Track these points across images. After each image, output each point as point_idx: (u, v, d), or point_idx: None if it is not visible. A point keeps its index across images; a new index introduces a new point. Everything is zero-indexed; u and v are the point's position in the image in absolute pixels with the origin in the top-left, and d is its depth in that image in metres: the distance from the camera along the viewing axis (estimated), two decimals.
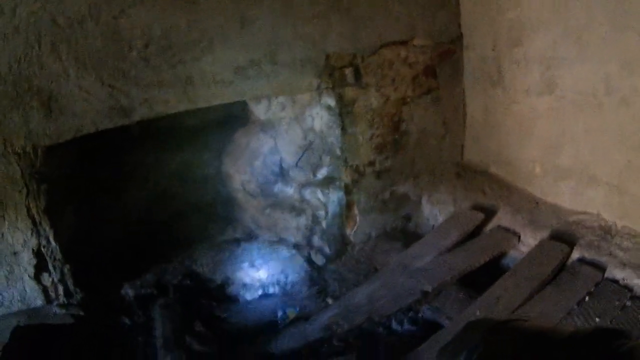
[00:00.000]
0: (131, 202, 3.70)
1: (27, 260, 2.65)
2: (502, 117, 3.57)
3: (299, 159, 3.48)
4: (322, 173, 3.51)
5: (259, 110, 3.45)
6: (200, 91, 2.84)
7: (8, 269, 2.64)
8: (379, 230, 3.81)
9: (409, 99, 3.58)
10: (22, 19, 2.30)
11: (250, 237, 3.98)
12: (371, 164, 3.60)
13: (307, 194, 3.56)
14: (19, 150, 2.47)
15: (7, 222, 2.55)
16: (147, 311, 3.07)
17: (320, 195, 3.54)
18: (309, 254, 3.71)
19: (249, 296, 3.52)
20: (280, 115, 3.42)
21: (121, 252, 3.42)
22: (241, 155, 3.66)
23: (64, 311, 2.78)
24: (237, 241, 3.97)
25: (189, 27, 2.67)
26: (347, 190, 3.59)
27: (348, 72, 3.33)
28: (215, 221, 4.10)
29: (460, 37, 3.69)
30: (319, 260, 3.68)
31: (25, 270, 2.67)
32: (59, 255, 2.73)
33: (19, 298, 2.71)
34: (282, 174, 3.57)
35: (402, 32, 3.47)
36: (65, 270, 2.77)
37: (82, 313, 2.81)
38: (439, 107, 3.73)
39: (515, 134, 3.51)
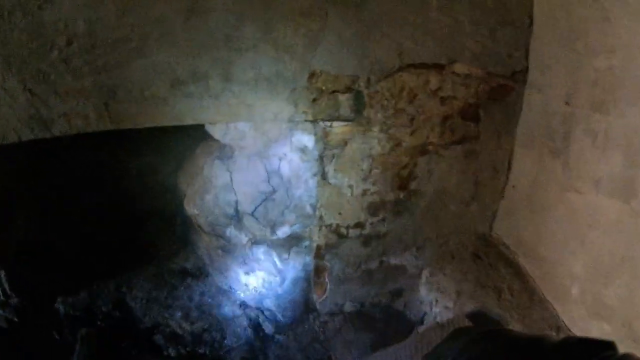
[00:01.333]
0: (86, 207, 3.12)
1: None
2: (552, 203, 2.31)
3: (256, 208, 2.37)
4: (283, 232, 2.40)
5: (215, 131, 2.32)
6: (125, 108, 1.95)
7: None
8: (355, 305, 2.72)
9: (430, 147, 2.34)
10: None
11: (200, 273, 3.03)
12: (358, 226, 2.45)
13: (261, 253, 2.48)
14: None
15: None
16: (75, 332, 2.67)
17: (276, 259, 2.45)
18: (257, 318, 2.68)
19: (174, 351, 2.65)
20: (239, 143, 2.28)
21: (69, 256, 3.04)
22: (194, 180, 2.58)
23: (1, 312, 2.59)
24: (183, 274, 3.08)
25: (118, 20, 1.86)
26: (318, 254, 2.48)
27: (343, 99, 2.11)
28: (169, 239, 3.24)
29: (524, 70, 2.36)
30: (267, 327, 2.67)
31: None
32: None
33: None
34: (238, 218, 2.47)
35: (439, 50, 2.18)
36: (1, 275, 2.52)
37: (15, 319, 2.61)
38: (473, 164, 2.47)
39: (563, 232, 2.27)
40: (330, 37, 2.02)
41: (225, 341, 2.69)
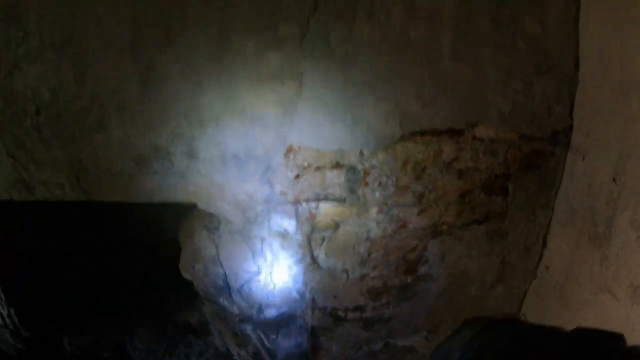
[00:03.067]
0: (98, 251, 2.82)
1: None
2: (585, 301, 1.69)
3: (242, 286, 1.90)
4: (270, 313, 1.92)
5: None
6: (95, 182, 1.69)
7: None
8: None
9: (444, 228, 1.76)
10: None
11: (203, 331, 2.65)
12: (358, 309, 1.93)
13: (249, 330, 2.02)
14: None
15: None
16: None
17: (264, 339, 1.98)
18: None
19: None
20: (224, 215, 1.80)
21: (79, 297, 2.74)
22: (187, 245, 2.14)
23: (12, 342, 2.53)
24: (186, 329, 2.73)
25: (78, 89, 1.60)
26: (314, 334, 1.99)
27: (333, 177, 1.58)
28: (178, 290, 2.84)
29: (568, 130, 1.71)
30: None
31: None
32: (2, 297, 2.34)
33: None
34: (229, 291, 2.01)
35: (455, 112, 1.59)
36: (11, 311, 2.42)
37: (25, 349, 2.54)
38: (499, 245, 1.86)
39: None
40: (310, 104, 1.49)
41: None
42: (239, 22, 1.49)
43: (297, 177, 1.57)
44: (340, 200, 1.62)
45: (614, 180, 1.58)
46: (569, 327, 1.84)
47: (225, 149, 1.53)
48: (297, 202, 1.61)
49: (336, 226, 1.68)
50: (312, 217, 1.65)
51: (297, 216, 1.64)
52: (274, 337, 1.98)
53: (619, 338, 0.71)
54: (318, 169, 1.57)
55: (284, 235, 1.66)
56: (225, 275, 2.01)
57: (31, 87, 1.67)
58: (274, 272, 1.76)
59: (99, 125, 1.63)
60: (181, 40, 1.50)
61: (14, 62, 1.66)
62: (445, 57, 1.55)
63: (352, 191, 1.61)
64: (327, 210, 1.64)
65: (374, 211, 1.66)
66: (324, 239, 1.70)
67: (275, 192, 1.58)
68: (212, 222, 1.99)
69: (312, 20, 1.48)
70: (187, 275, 2.23)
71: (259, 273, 1.83)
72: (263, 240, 1.71)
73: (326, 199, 1.61)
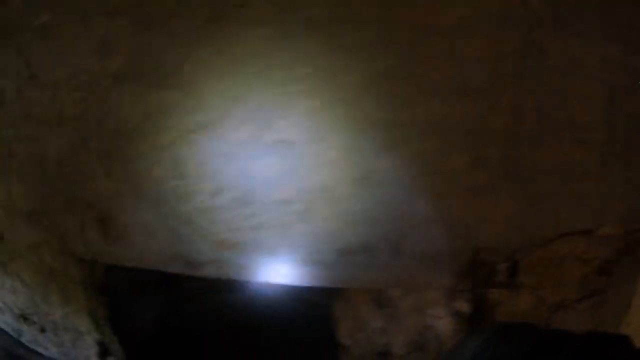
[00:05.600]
0: None
1: (90, 343, 1.94)
2: None
3: None
4: None
5: None
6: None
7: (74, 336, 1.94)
8: None
9: (566, 303, 2.11)
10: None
11: None
12: None
13: None
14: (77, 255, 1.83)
15: (69, 308, 1.88)
16: None
17: None
18: None
19: None
20: None
21: None
22: None
23: None
24: None
25: None
26: None
27: (501, 268, 1.87)
28: None
29: None
30: None
31: (90, 348, 1.95)
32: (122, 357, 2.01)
33: None
34: None
35: (589, 216, 1.96)
36: None
37: None
38: (598, 312, 2.24)
39: None
40: (499, 212, 1.78)
41: None
42: None
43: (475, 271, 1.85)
44: (503, 286, 1.91)
45: None
46: None
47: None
48: (472, 290, 1.88)
49: (495, 306, 1.95)
50: (481, 300, 1.92)
51: (470, 300, 1.90)
52: None
53: (624, 340, 0.73)
54: (492, 262, 1.85)
55: (459, 314, 1.92)
56: None
57: None
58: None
59: None
60: None
61: None
62: (588, 175, 1.91)
63: (514, 278, 1.92)
64: (492, 295, 1.92)
65: (525, 292, 1.95)
66: (483, 316, 1.97)
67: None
68: None
69: None
70: None
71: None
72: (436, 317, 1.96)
73: (494, 285, 1.90)
